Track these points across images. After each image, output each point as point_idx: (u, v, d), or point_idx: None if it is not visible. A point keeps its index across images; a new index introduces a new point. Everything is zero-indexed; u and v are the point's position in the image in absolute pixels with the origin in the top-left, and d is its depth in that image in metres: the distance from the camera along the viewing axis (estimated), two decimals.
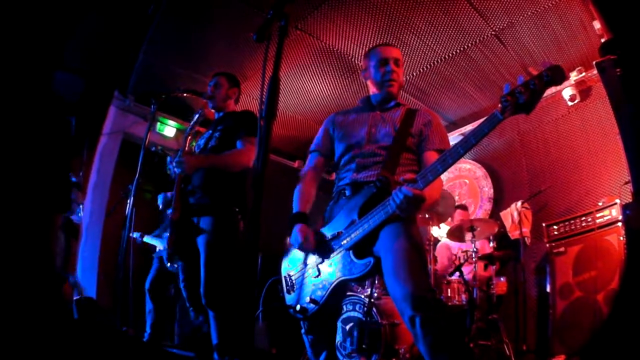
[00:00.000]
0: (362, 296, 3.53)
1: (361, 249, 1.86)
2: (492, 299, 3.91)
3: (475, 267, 3.86)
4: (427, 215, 4.16)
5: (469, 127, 5.45)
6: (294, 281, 2.08)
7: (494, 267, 3.98)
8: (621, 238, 3.39)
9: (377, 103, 2.20)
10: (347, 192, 2.03)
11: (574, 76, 4.52)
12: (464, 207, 4.84)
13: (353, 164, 2.07)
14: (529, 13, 3.86)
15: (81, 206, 4.02)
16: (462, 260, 4.03)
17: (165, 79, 4.81)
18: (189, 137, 2.94)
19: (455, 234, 4.21)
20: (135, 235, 4.43)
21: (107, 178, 4.92)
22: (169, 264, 3.86)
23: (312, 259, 2.04)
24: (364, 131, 2.11)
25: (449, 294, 3.85)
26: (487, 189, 5.30)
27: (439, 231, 5.11)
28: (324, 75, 4.84)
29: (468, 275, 3.85)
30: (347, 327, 3.54)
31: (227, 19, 4.09)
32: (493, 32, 4.13)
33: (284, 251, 2.22)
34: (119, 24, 3.88)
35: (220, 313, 2.55)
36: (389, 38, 4.20)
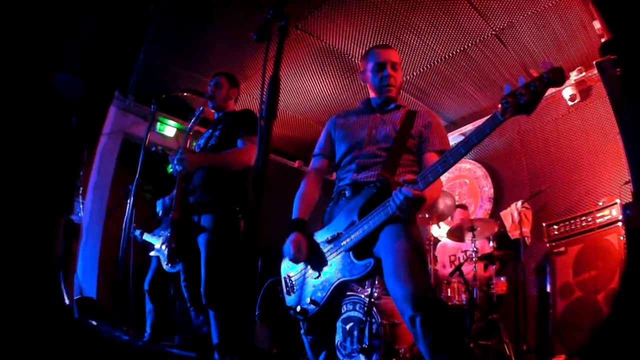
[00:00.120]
0: (362, 296, 3.54)
1: (361, 249, 1.86)
2: (492, 298, 3.91)
3: (475, 267, 3.86)
4: (427, 215, 4.16)
5: (469, 127, 5.45)
6: (294, 282, 2.08)
7: (493, 266, 3.98)
8: (621, 238, 3.39)
9: (377, 106, 2.20)
10: (347, 193, 2.03)
11: (574, 76, 4.52)
12: (463, 207, 4.84)
13: (353, 164, 2.07)
14: (529, 13, 3.86)
15: (81, 206, 4.02)
16: (461, 260, 4.03)
17: (165, 79, 4.81)
18: (190, 135, 2.95)
19: (455, 234, 4.21)
20: (136, 233, 4.43)
21: (107, 178, 4.92)
22: (167, 265, 3.86)
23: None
24: (365, 132, 2.11)
25: (449, 294, 3.86)
26: (487, 188, 5.30)
27: (439, 231, 5.11)
28: (324, 75, 4.84)
29: (468, 275, 3.85)
30: (347, 327, 3.54)
31: (227, 19, 4.09)
32: (493, 32, 4.13)
33: (283, 252, 2.22)
34: (119, 24, 3.87)
35: (220, 313, 2.55)
36: (389, 38, 4.20)
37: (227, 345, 2.51)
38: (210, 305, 2.56)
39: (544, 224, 4.17)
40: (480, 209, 5.28)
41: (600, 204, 3.77)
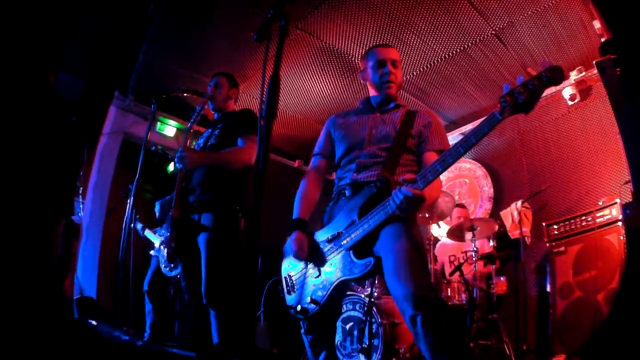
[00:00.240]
0: (363, 295, 3.54)
1: (361, 249, 1.86)
2: (492, 298, 3.91)
3: (475, 266, 3.86)
4: (427, 215, 4.16)
5: (469, 127, 5.45)
6: (294, 282, 2.09)
7: (493, 266, 3.98)
8: (621, 237, 3.39)
9: (377, 105, 2.20)
10: (347, 193, 2.03)
11: (574, 75, 4.52)
12: (461, 206, 4.84)
13: (353, 164, 2.07)
14: (529, 12, 3.86)
15: (81, 206, 4.02)
16: (461, 260, 4.03)
17: (165, 78, 4.81)
18: (190, 133, 2.95)
19: (455, 233, 4.21)
20: (138, 227, 4.42)
21: (107, 178, 4.92)
22: (165, 268, 3.85)
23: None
24: (365, 132, 2.11)
25: (449, 294, 3.86)
26: (487, 188, 5.30)
27: (439, 230, 5.11)
28: (324, 75, 4.84)
29: (468, 275, 3.85)
30: (347, 327, 3.54)
31: (227, 19, 4.09)
32: (493, 32, 4.13)
33: (283, 251, 2.22)
34: (119, 24, 3.87)
35: (221, 312, 2.55)
36: (389, 37, 4.20)
37: (228, 345, 2.51)
38: (211, 305, 2.55)
39: (544, 224, 4.17)
40: (480, 209, 5.28)
41: (600, 203, 3.77)
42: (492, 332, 3.64)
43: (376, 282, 3.49)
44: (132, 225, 4.35)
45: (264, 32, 1.44)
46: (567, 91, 4.60)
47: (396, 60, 2.17)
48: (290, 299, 2.08)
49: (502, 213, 4.77)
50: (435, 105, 5.32)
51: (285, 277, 2.15)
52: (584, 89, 4.58)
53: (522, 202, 4.54)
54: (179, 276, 3.96)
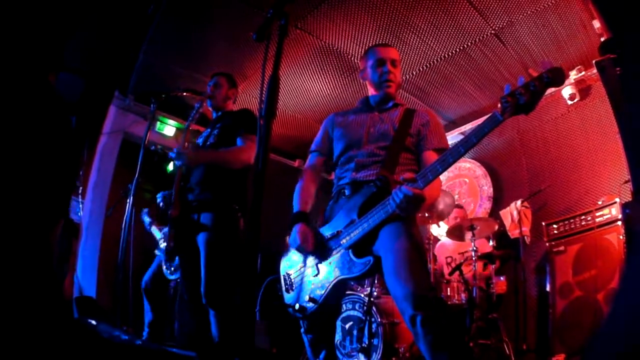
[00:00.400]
0: (362, 295, 3.54)
1: (361, 248, 1.87)
2: (492, 298, 3.91)
3: (474, 266, 3.86)
4: (427, 214, 4.16)
5: (468, 126, 5.45)
6: (293, 280, 2.09)
7: (493, 266, 3.98)
8: (621, 237, 3.39)
9: (376, 104, 2.20)
10: (347, 192, 2.03)
11: (573, 75, 4.52)
12: (459, 206, 4.84)
13: (352, 163, 2.07)
14: (529, 12, 3.86)
15: (81, 206, 4.02)
16: (459, 262, 4.03)
17: (165, 78, 4.81)
18: (189, 130, 2.95)
19: (455, 233, 4.21)
20: (146, 221, 4.41)
21: (107, 178, 4.92)
22: (167, 270, 3.85)
23: (311, 258, 2.04)
24: (363, 131, 2.11)
25: (449, 293, 3.86)
26: (487, 187, 5.30)
27: (439, 230, 5.11)
28: (324, 75, 4.84)
29: (468, 275, 3.85)
30: (347, 326, 3.54)
31: (227, 18, 4.09)
32: (493, 31, 4.13)
33: (283, 250, 2.22)
34: (119, 24, 3.87)
35: (220, 312, 2.55)
36: (389, 37, 4.20)
37: (228, 345, 2.51)
38: (211, 304, 2.55)
39: (543, 223, 4.17)
40: (479, 208, 5.28)
41: (600, 203, 3.77)
42: (491, 332, 3.64)
43: (376, 281, 3.49)
44: (141, 216, 4.34)
45: (264, 31, 1.45)
46: (567, 91, 4.60)
47: (395, 59, 2.17)
48: (288, 297, 2.08)
49: (501, 212, 4.77)
50: (435, 104, 5.32)
51: (284, 276, 2.15)
52: (583, 88, 4.58)
53: (522, 202, 4.54)
54: (178, 280, 3.96)
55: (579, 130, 4.59)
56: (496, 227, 4.17)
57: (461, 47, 4.37)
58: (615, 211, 3.56)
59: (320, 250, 2.00)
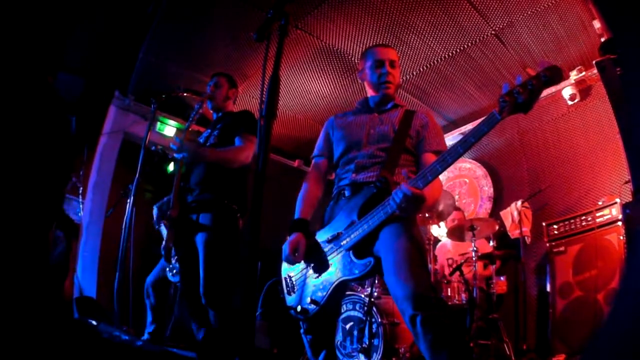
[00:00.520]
0: (362, 295, 3.54)
1: (361, 249, 1.86)
2: (492, 298, 3.91)
3: (475, 266, 3.86)
4: (427, 215, 4.17)
5: (468, 127, 5.45)
6: (294, 282, 2.09)
7: (493, 266, 3.98)
8: (621, 237, 3.39)
9: (375, 105, 2.20)
10: (347, 193, 2.03)
11: (574, 75, 4.52)
12: (456, 208, 4.83)
13: (352, 164, 2.07)
14: (529, 12, 3.86)
15: (81, 205, 4.02)
16: (461, 261, 4.03)
17: (165, 78, 4.82)
18: (189, 130, 2.95)
19: (455, 233, 4.21)
20: (156, 215, 4.37)
21: (107, 178, 4.92)
22: (170, 274, 3.85)
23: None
24: (363, 132, 2.11)
25: (449, 293, 3.86)
26: (487, 188, 5.30)
27: (439, 230, 5.11)
28: (324, 75, 4.84)
29: (468, 275, 3.85)
30: (347, 327, 3.54)
31: (227, 18, 4.09)
32: (493, 32, 4.13)
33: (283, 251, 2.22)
34: (119, 24, 3.88)
35: (220, 312, 2.55)
36: (389, 37, 4.20)
37: (227, 345, 2.51)
38: (210, 305, 2.55)
39: (543, 224, 4.17)
40: (480, 208, 5.28)
41: (600, 203, 3.77)
42: (492, 332, 3.64)
43: (376, 282, 3.49)
44: (153, 211, 4.29)
45: (264, 31, 1.45)
46: (567, 91, 4.60)
47: (394, 60, 2.17)
48: (290, 299, 2.08)
49: (502, 213, 4.77)
50: (435, 105, 5.33)
51: (285, 278, 2.15)
52: (583, 88, 4.58)
53: (522, 202, 4.54)
54: (178, 283, 3.95)
55: (579, 130, 4.59)
56: (496, 228, 4.17)
57: (461, 48, 4.37)
58: (615, 211, 3.56)
59: (315, 258, 1.99)
